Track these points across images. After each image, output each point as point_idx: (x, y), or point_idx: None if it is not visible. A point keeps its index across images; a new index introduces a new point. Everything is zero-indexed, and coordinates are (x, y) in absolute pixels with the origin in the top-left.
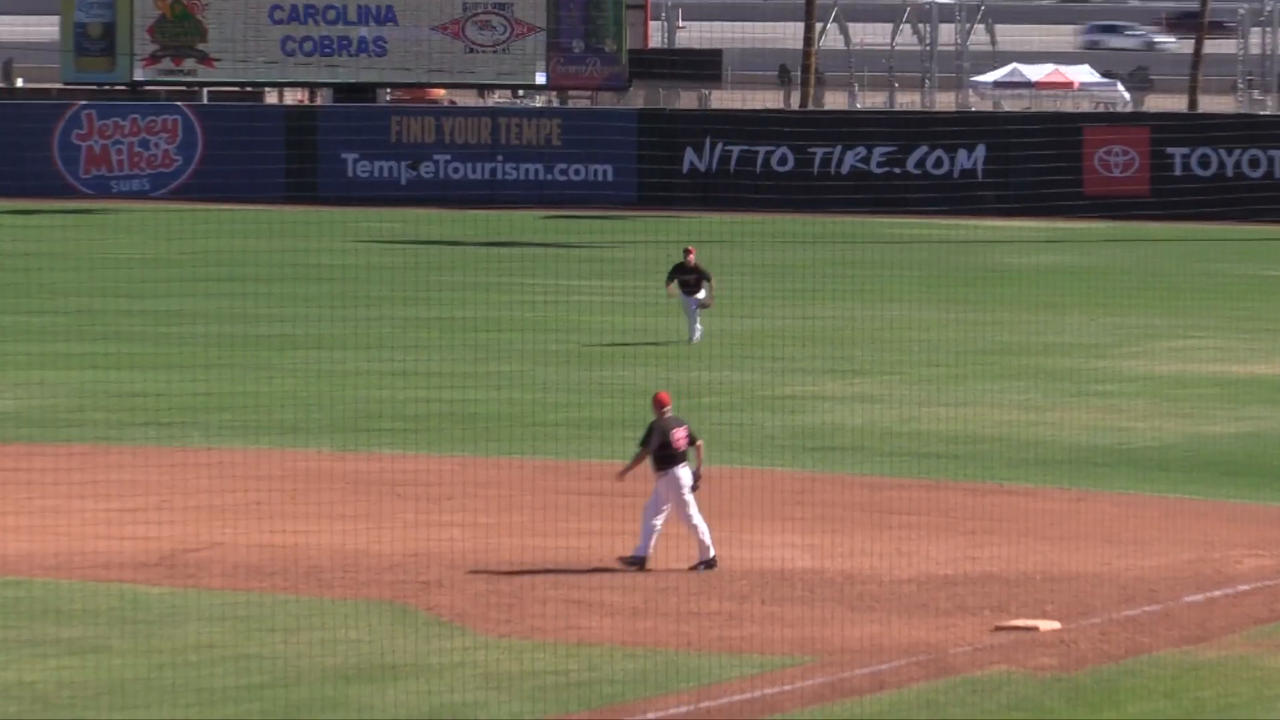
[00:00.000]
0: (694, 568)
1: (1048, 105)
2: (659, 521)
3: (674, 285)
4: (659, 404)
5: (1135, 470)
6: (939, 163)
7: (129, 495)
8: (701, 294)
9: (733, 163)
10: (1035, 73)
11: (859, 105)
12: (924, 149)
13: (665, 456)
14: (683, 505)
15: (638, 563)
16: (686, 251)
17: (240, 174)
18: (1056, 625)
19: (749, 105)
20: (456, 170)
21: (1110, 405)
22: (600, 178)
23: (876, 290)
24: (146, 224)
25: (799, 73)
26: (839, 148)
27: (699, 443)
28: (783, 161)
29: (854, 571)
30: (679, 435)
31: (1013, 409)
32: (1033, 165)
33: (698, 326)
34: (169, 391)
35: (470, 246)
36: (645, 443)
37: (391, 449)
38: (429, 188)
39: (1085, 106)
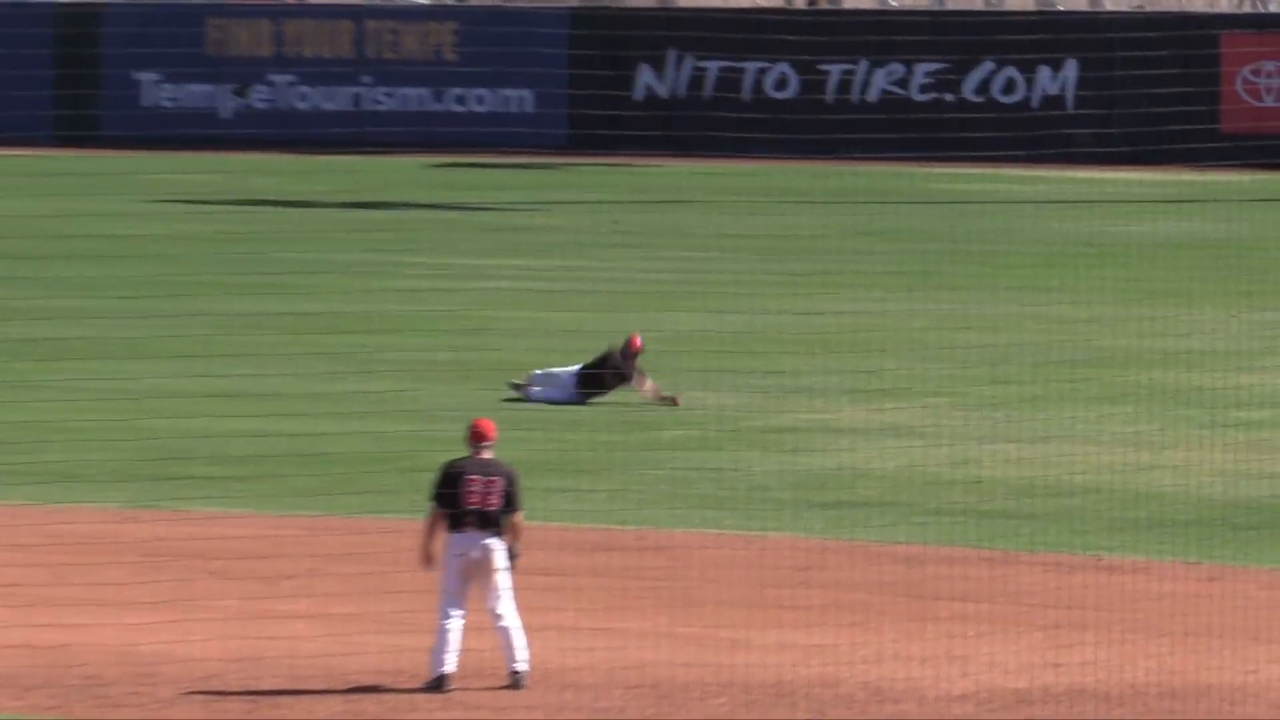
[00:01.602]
0: (513, 677)
1: (1169, 3)
2: (455, 621)
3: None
4: (476, 436)
5: None
6: (1010, 86)
7: None
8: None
9: (708, 86)
10: None
11: (893, 2)
12: (989, 66)
13: (459, 516)
14: (491, 590)
15: (435, 684)
16: (630, 342)
17: None
18: None
19: (732, 2)
20: (304, 97)
21: (1258, 440)
22: (515, 108)
23: (918, 273)
24: None
25: None
26: (864, 64)
27: (518, 515)
28: (781, 84)
29: (883, 684)
30: (478, 487)
31: (1116, 446)
32: (1147, 91)
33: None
34: None
35: (324, 208)
36: (436, 497)
37: (207, 505)
38: (264, 123)
39: (1224, 6)
